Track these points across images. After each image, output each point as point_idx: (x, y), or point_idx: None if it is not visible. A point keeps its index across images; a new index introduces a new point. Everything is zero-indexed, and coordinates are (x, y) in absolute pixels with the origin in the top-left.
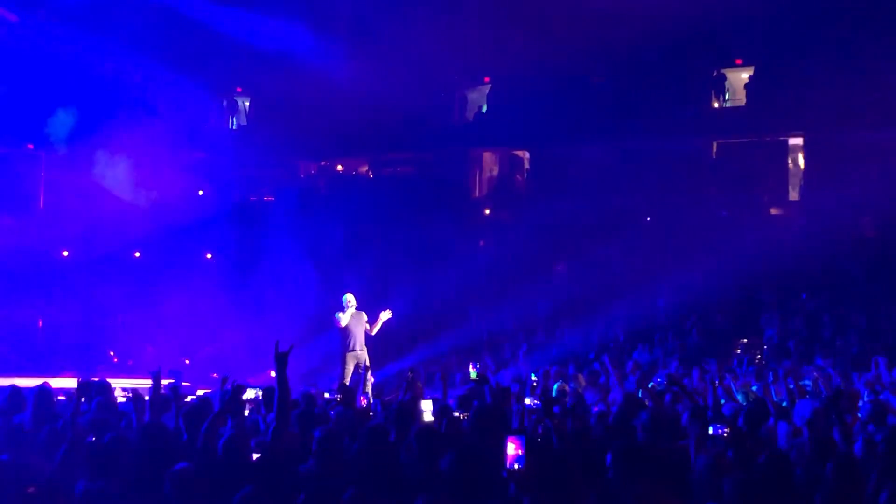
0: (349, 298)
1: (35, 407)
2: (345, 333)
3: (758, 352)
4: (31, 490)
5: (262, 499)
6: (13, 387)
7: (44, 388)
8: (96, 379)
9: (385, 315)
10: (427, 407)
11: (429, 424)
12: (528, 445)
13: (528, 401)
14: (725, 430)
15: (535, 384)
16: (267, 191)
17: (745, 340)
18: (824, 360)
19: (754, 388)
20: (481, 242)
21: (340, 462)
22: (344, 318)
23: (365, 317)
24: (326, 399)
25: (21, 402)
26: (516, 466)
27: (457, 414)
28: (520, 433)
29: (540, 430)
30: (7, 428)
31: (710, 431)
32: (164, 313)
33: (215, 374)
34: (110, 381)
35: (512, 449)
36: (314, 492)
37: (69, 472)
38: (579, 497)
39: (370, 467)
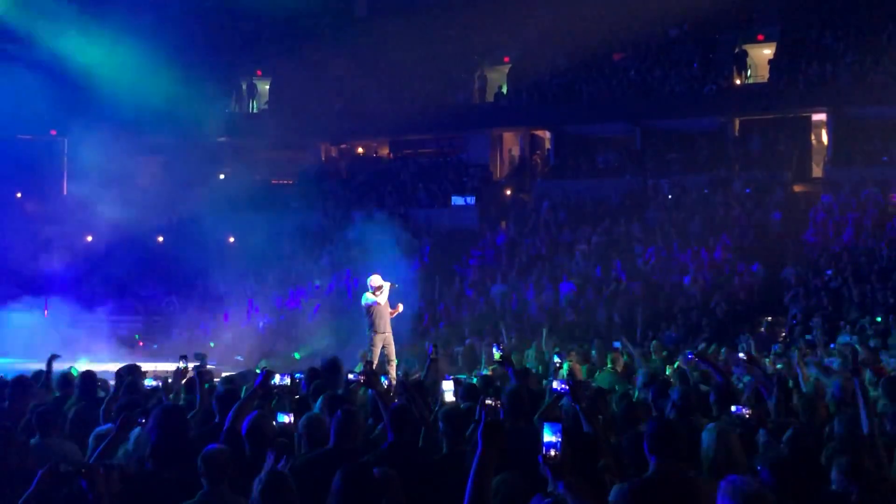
0: (375, 279)
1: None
2: (373, 314)
3: (782, 329)
4: (62, 468)
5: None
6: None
7: (86, 372)
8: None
9: (399, 308)
10: (448, 387)
11: (455, 405)
12: (564, 433)
13: (555, 384)
14: (748, 411)
15: (558, 365)
16: (288, 173)
17: (770, 318)
18: (850, 337)
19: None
20: (503, 223)
21: (364, 442)
22: (382, 298)
23: (388, 287)
24: (349, 380)
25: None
26: (552, 453)
27: (489, 402)
28: (556, 420)
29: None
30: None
31: (733, 410)
32: (188, 297)
33: (239, 357)
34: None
35: (548, 435)
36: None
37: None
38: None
39: (395, 448)
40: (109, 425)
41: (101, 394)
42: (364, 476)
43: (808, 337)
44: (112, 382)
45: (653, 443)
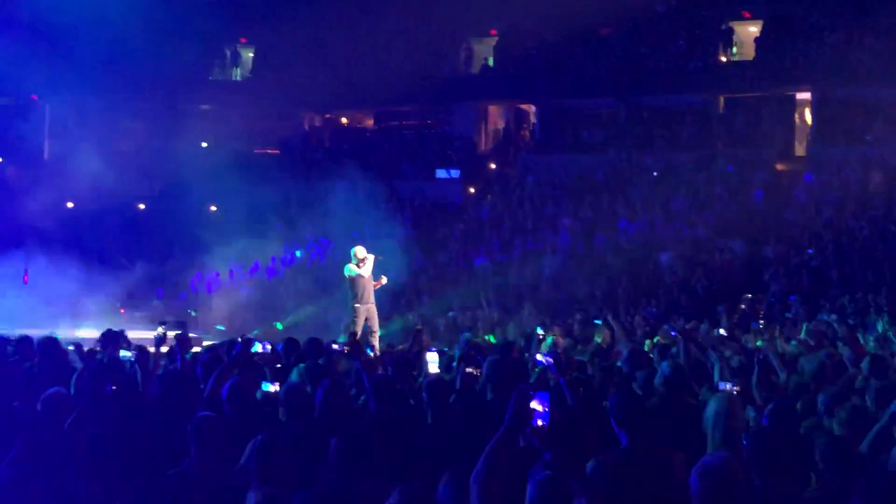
0: (359, 251)
1: (42, 356)
2: (356, 285)
3: (762, 307)
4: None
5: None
6: (23, 336)
7: (50, 338)
8: (115, 330)
9: (382, 280)
10: (432, 359)
11: (438, 376)
12: (551, 402)
13: (539, 357)
14: (735, 387)
15: (541, 338)
16: (271, 143)
17: (750, 296)
18: (829, 315)
19: None
20: (488, 196)
21: (347, 413)
22: (365, 270)
23: (371, 259)
24: (332, 350)
25: (30, 350)
26: (539, 423)
27: (470, 370)
28: (543, 389)
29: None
30: (16, 375)
31: (720, 385)
32: (169, 265)
33: (222, 326)
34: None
35: (535, 405)
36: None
37: (87, 420)
38: (595, 453)
39: (378, 419)
40: (58, 388)
41: (77, 363)
42: (359, 446)
43: (788, 315)
44: (86, 349)
45: (620, 417)
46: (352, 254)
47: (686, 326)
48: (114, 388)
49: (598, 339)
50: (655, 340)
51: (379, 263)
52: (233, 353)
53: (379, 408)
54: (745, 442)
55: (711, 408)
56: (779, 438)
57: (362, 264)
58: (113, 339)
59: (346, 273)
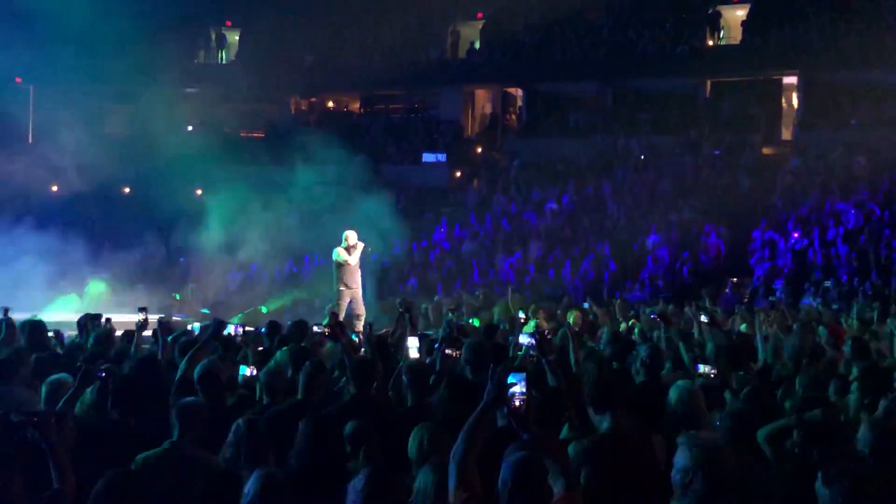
0: (351, 236)
1: (27, 338)
2: (343, 269)
3: (746, 290)
4: (14, 417)
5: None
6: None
7: (34, 321)
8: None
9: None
10: (413, 343)
11: (418, 360)
12: (528, 382)
13: (522, 338)
14: (713, 370)
15: (523, 321)
16: (257, 126)
17: (734, 279)
18: (813, 299)
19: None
20: (474, 181)
21: (330, 394)
22: (353, 258)
23: (361, 247)
24: (314, 332)
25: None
26: (517, 403)
27: (449, 351)
28: (521, 370)
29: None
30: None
31: (698, 368)
32: (154, 250)
33: (206, 309)
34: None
35: (512, 385)
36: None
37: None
38: (574, 433)
39: (357, 401)
40: (63, 374)
41: (55, 344)
42: (327, 426)
43: (771, 298)
44: (67, 333)
45: (600, 402)
46: (342, 237)
47: (666, 308)
48: (103, 373)
49: (570, 321)
50: (630, 323)
51: (367, 253)
52: (207, 334)
53: (358, 390)
54: (718, 423)
55: (672, 394)
56: (754, 419)
57: (352, 250)
58: (90, 322)
59: (334, 257)
